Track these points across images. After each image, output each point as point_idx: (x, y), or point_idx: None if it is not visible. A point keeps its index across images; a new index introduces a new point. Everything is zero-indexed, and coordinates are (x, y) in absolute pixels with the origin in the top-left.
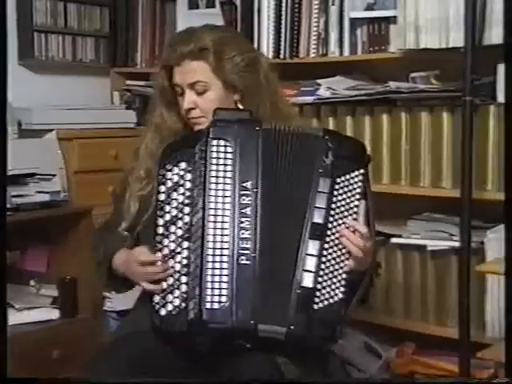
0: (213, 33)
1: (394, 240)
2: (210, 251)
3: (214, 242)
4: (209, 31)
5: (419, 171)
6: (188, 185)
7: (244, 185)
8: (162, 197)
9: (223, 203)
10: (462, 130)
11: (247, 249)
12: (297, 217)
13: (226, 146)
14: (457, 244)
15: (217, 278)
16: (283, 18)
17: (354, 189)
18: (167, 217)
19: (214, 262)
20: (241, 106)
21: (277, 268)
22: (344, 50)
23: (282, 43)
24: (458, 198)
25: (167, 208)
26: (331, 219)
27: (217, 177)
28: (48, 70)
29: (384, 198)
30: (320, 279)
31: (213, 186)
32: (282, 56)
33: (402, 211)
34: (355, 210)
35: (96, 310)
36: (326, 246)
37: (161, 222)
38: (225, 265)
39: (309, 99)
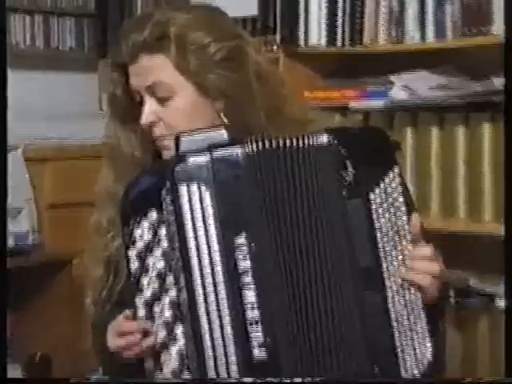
0: (177, 13)
1: (500, 303)
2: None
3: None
4: (171, 12)
5: None
6: (165, 243)
7: (237, 240)
8: (135, 264)
9: (212, 272)
10: None
11: (261, 339)
12: (331, 269)
13: (200, 192)
14: None
15: None
16: None
17: (396, 198)
18: (147, 293)
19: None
20: (225, 119)
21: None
22: (427, 34)
23: (339, 24)
24: None
25: (144, 280)
26: (382, 253)
27: (196, 237)
28: (11, 62)
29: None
30: (398, 343)
31: (193, 252)
32: (338, 43)
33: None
34: (406, 226)
35: None
36: (390, 293)
37: (140, 301)
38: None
39: (378, 103)
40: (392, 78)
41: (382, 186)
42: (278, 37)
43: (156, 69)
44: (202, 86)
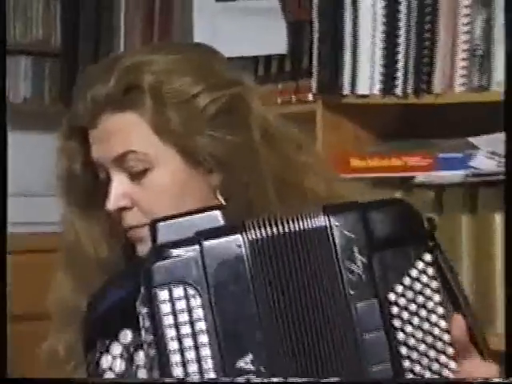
0: (152, 56)
1: None
2: None
3: None
4: (145, 54)
5: None
6: (143, 372)
7: (239, 366)
8: None
9: None
10: None
11: None
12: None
13: (187, 298)
14: None
15: None
16: (401, 21)
17: (430, 297)
18: None
19: None
20: (221, 199)
21: None
22: None
23: (400, 66)
24: None
25: None
26: (410, 375)
27: (184, 363)
28: None
29: None
30: None
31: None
32: (398, 91)
33: None
34: (445, 336)
35: None
36: None
37: None
38: None
39: (455, 175)
40: (474, 140)
41: (406, 281)
42: (314, 82)
43: (126, 133)
44: (189, 153)
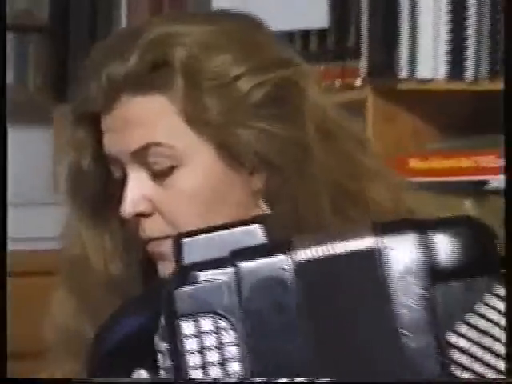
0: (184, 26)
1: None
2: None
3: None
4: (174, 24)
5: None
6: None
7: None
8: None
9: None
10: None
11: None
12: None
13: (217, 332)
14: None
15: None
16: None
17: (498, 339)
18: None
19: None
20: (264, 207)
21: None
22: None
23: (471, 46)
24: None
25: None
26: None
27: None
28: None
29: None
30: None
31: None
32: (468, 76)
33: None
34: None
35: None
36: None
37: None
38: None
39: None
40: None
41: (471, 319)
42: (363, 63)
43: (149, 121)
44: (227, 148)
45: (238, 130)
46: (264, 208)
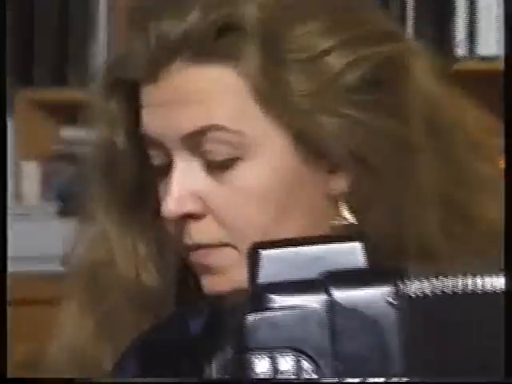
0: None
1: None
2: None
3: None
4: None
5: None
6: None
7: None
8: None
9: None
10: None
11: None
12: None
13: (299, 373)
14: None
15: None
16: None
17: None
18: None
19: None
20: (348, 216)
21: None
22: None
23: None
24: None
25: None
26: None
27: None
28: None
29: None
30: None
31: None
32: None
33: None
34: None
35: None
36: None
37: None
38: None
39: None
40: None
41: None
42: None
43: (209, 97)
44: (308, 139)
45: (323, 118)
46: (348, 217)
